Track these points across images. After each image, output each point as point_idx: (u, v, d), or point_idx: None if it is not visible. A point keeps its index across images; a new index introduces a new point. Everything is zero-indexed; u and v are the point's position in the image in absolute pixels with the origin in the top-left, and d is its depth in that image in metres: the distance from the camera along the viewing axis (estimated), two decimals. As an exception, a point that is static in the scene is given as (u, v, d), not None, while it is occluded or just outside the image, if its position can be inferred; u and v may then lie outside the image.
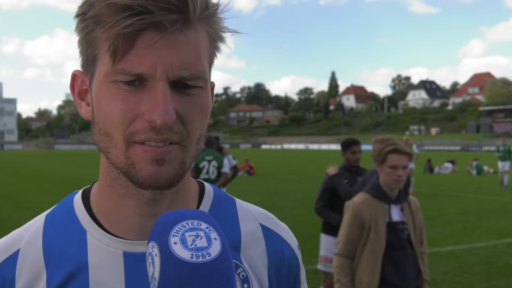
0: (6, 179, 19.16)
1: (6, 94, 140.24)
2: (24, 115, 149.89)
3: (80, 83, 0.72)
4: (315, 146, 79.37)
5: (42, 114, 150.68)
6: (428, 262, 5.49)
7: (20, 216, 10.13)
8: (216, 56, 0.71)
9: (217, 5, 0.67)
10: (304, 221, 9.16)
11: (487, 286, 5.57)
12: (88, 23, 0.64)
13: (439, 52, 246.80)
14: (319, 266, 4.80)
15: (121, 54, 0.61)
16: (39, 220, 0.77)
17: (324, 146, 77.10)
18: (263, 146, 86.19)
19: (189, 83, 0.65)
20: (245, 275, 0.75)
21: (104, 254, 0.70)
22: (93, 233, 0.72)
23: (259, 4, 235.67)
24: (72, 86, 0.73)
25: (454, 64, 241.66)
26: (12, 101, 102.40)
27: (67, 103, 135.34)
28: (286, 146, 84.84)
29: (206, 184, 0.84)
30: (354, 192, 4.33)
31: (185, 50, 0.63)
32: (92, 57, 0.66)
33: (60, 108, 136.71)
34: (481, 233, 8.66)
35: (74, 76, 0.72)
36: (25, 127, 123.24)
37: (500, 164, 17.71)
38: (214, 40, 0.69)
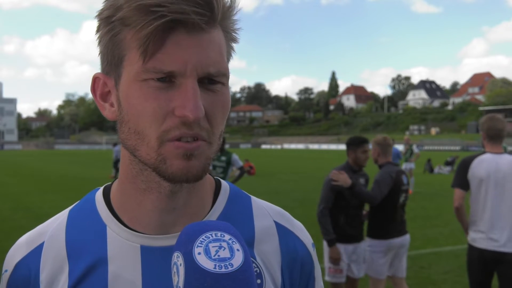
0: (6, 179, 19.16)
1: (6, 94, 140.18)
2: (24, 115, 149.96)
3: (102, 85, 0.73)
4: (315, 146, 79.35)
5: (42, 114, 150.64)
6: (428, 262, 5.51)
7: (20, 216, 10.13)
8: (231, 56, 0.74)
9: (232, 7, 0.69)
10: (304, 221, 8.97)
11: (487, 286, 5.57)
12: (115, 25, 0.66)
13: (441, 52, 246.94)
14: (328, 278, 4.08)
15: (151, 53, 0.63)
16: (62, 215, 0.81)
17: (324, 146, 77.09)
18: (263, 146, 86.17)
19: (215, 79, 0.67)
20: (258, 271, 0.77)
21: (122, 247, 0.74)
22: (112, 227, 0.76)
23: (260, 3, 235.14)
24: (93, 89, 0.74)
25: (455, 64, 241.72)
26: (12, 101, 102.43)
27: (67, 103, 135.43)
28: (286, 146, 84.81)
29: (223, 181, 0.86)
30: (377, 197, 4.09)
31: (211, 48, 0.66)
32: (119, 59, 0.68)
33: (60, 108, 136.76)
34: (481, 233, 8.66)
35: (96, 79, 0.74)
36: (25, 127, 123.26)
37: None
38: (229, 40, 0.72)
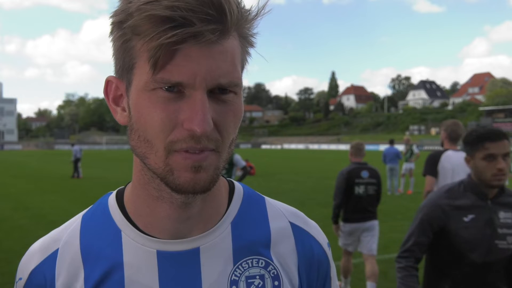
0: (6, 179, 19.16)
1: (6, 94, 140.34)
2: (24, 115, 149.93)
3: (114, 89, 0.73)
4: (315, 146, 79.35)
5: (42, 114, 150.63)
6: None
7: (20, 216, 10.13)
8: (247, 61, 0.73)
9: (250, 11, 0.68)
10: (304, 221, 9.10)
11: (487, 286, 5.56)
12: (126, 32, 0.65)
13: (442, 52, 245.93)
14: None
15: (161, 65, 0.62)
16: (76, 221, 0.80)
17: (324, 146, 77.10)
18: (263, 146, 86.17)
19: (226, 88, 0.66)
20: (275, 273, 0.77)
21: (138, 252, 0.73)
22: (127, 232, 0.75)
23: (262, 3, 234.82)
24: (106, 92, 0.74)
25: (456, 64, 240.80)
26: (12, 101, 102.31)
27: (67, 103, 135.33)
28: (286, 146, 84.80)
29: (236, 183, 0.85)
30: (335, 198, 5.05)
31: (222, 59, 0.64)
32: (130, 65, 0.67)
33: (60, 108, 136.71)
34: (481, 233, 8.64)
35: (108, 82, 0.73)
36: (25, 127, 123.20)
37: None
38: (245, 45, 0.71)
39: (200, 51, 0.62)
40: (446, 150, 4.63)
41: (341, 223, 5.25)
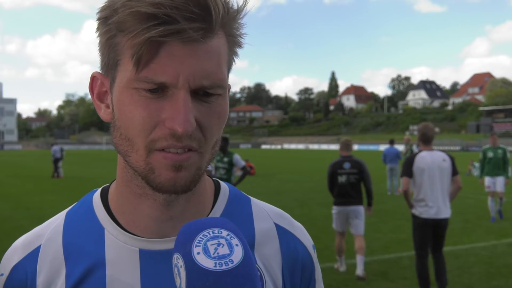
0: (6, 179, 19.18)
1: (6, 94, 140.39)
2: (24, 115, 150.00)
3: (99, 85, 0.72)
4: (315, 146, 79.39)
5: (42, 114, 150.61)
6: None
7: (20, 216, 10.15)
8: (234, 61, 0.72)
9: (237, 10, 0.67)
10: (304, 222, 9.01)
11: (487, 286, 5.58)
12: (111, 28, 0.65)
13: (443, 52, 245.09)
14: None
15: (144, 63, 0.62)
16: (59, 217, 0.79)
17: (324, 146, 77.11)
18: (263, 146, 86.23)
19: (209, 91, 0.66)
20: (259, 274, 0.75)
21: (120, 251, 0.73)
22: (110, 230, 0.74)
23: (263, 3, 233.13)
24: (91, 88, 0.74)
25: (457, 64, 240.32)
26: (12, 101, 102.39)
27: (67, 103, 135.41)
28: (286, 146, 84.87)
29: (222, 183, 0.85)
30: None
31: (207, 58, 0.64)
32: (114, 62, 0.67)
33: (60, 108, 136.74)
34: (481, 233, 8.68)
35: (94, 78, 0.73)
36: (25, 127, 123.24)
37: (489, 181, 10.00)
38: (232, 46, 0.70)
39: (184, 49, 0.62)
40: (421, 151, 5.17)
41: (332, 207, 6.26)
